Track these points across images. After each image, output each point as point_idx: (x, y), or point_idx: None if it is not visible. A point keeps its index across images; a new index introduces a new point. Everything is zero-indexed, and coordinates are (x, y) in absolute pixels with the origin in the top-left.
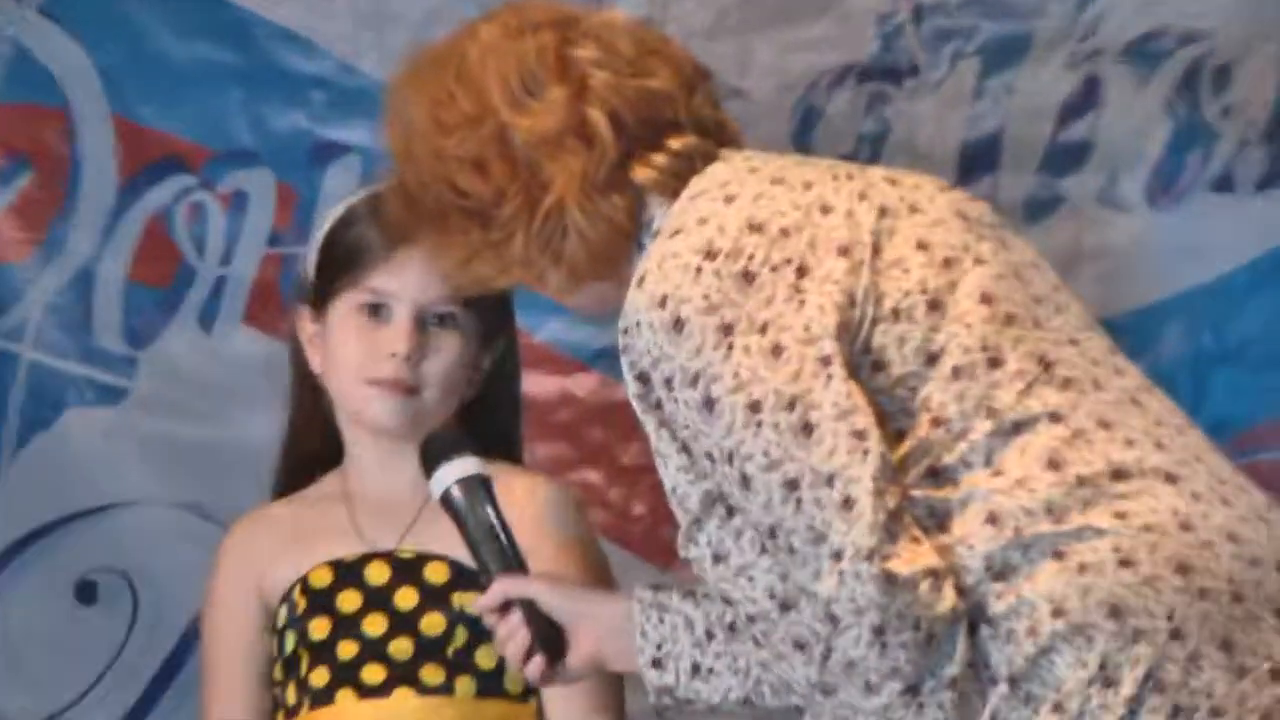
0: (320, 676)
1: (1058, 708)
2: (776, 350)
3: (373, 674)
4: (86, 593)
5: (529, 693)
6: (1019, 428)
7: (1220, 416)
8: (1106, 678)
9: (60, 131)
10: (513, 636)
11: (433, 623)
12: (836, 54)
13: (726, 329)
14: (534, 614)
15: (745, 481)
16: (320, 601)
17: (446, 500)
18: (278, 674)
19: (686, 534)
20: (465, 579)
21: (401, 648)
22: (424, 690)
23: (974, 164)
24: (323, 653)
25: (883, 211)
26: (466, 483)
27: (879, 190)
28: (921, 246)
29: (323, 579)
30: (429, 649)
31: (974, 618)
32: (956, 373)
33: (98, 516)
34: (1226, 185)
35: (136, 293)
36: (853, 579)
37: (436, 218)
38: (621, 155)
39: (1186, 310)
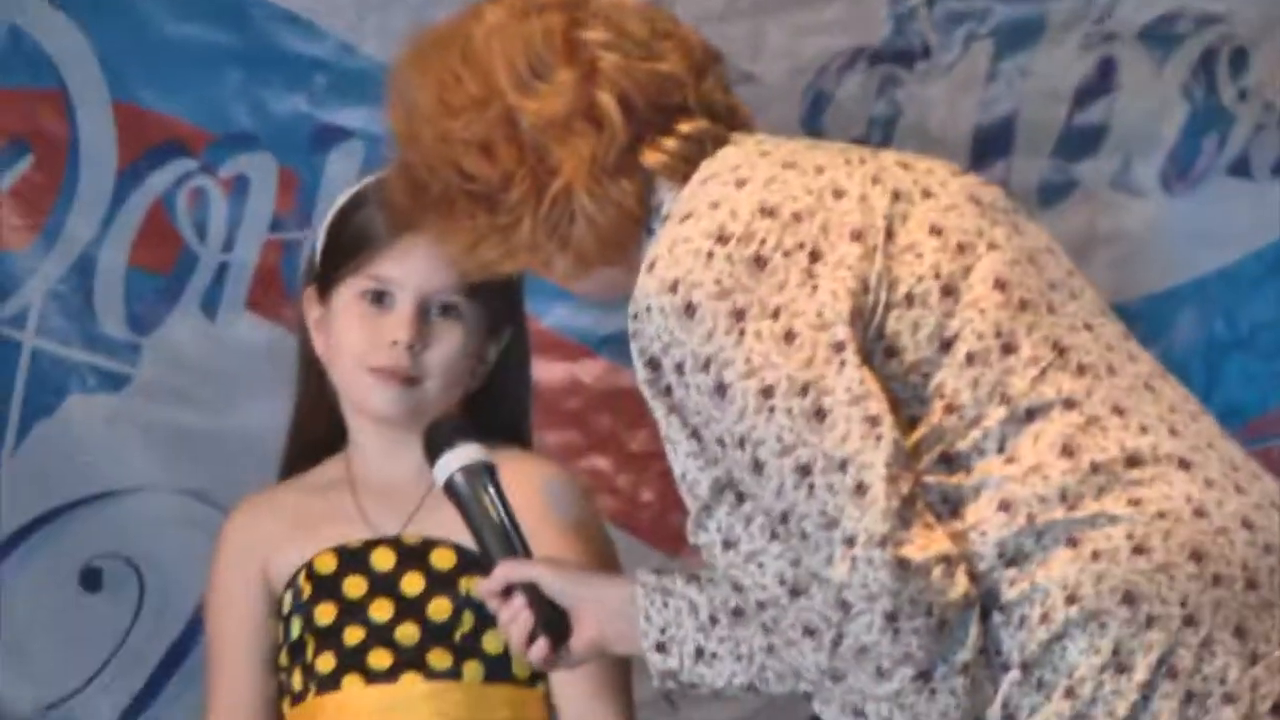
0: (326, 662)
1: (1070, 693)
2: (789, 336)
3: (380, 659)
4: (91, 580)
5: (537, 677)
6: (1033, 414)
7: (1232, 403)
8: (1120, 664)
9: (58, 114)
10: (515, 620)
11: (440, 608)
12: (848, 37)
13: (738, 314)
14: (537, 598)
15: (757, 467)
16: (326, 587)
17: (450, 487)
18: (283, 660)
19: (696, 520)
20: (472, 564)
21: (408, 633)
22: (431, 675)
23: (987, 148)
24: (329, 638)
25: (896, 196)
26: (470, 469)
27: (892, 174)
28: (935, 231)
29: (328, 565)
30: (436, 634)
31: (986, 604)
32: (970, 359)
33: (102, 503)
34: (1243, 169)
35: (138, 279)
36: (865, 565)
37: (442, 202)
38: (631, 139)
39: (1200, 296)
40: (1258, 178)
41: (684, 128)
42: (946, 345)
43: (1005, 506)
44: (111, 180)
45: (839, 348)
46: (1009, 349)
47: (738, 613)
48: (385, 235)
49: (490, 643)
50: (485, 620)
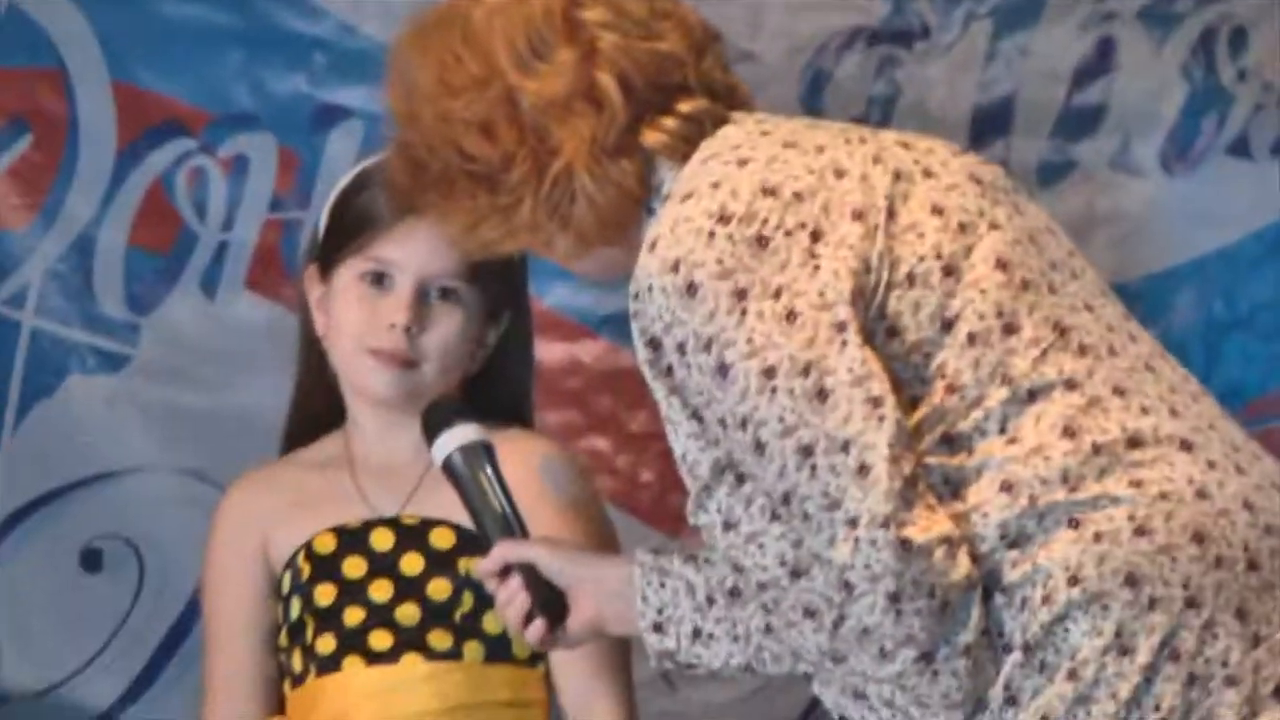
0: (327, 643)
1: (1072, 675)
2: (791, 316)
3: (380, 640)
4: (91, 560)
5: (537, 657)
6: (1034, 395)
7: (1232, 383)
8: (1122, 646)
9: (58, 94)
10: (512, 601)
11: (439, 588)
12: (847, 16)
13: (740, 294)
14: (534, 578)
15: (759, 448)
16: (325, 567)
17: (448, 466)
18: (283, 641)
19: (696, 501)
20: (471, 544)
21: (408, 613)
22: (432, 655)
23: (986, 128)
24: (329, 619)
25: (897, 175)
26: (468, 449)
27: (892, 154)
28: (936, 211)
29: (327, 545)
30: (436, 614)
31: (988, 585)
32: (972, 339)
33: (101, 484)
34: (1242, 149)
35: (137, 258)
36: (868, 546)
37: (442, 182)
38: (631, 119)
39: (1199, 276)
40: (1257, 158)
41: (684, 107)
42: (948, 325)
43: (1007, 488)
44: (111, 160)
45: (841, 328)
46: (1010, 329)
47: (735, 593)
48: (387, 217)
49: (490, 623)
50: (485, 600)
